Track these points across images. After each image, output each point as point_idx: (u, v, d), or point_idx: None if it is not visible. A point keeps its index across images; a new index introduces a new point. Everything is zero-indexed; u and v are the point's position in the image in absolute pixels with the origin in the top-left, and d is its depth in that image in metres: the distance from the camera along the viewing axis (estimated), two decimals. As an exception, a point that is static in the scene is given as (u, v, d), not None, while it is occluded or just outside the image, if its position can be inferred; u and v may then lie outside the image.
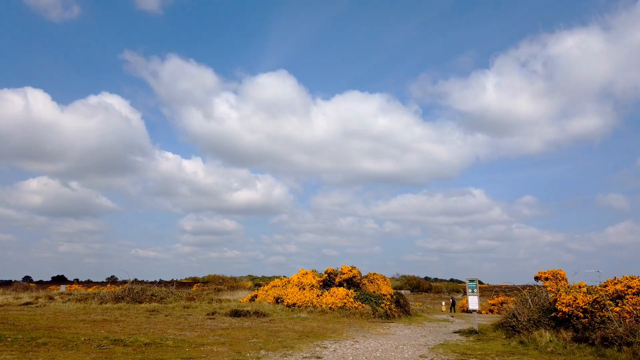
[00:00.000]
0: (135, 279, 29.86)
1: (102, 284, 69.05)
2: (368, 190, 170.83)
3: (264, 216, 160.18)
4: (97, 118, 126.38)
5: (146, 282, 43.86)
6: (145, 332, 13.18)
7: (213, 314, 19.35)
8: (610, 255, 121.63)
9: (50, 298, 28.01)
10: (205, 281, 72.85)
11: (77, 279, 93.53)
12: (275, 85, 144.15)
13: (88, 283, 78.00)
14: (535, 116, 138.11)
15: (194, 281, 77.45)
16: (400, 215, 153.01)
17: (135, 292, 25.78)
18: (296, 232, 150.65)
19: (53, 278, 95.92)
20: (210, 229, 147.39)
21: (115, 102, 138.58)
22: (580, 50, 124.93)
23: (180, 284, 60.41)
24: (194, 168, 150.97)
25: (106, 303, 23.54)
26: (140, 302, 24.04)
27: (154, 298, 25.46)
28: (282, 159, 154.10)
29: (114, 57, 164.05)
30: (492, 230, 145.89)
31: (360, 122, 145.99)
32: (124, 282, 29.40)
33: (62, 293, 35.89)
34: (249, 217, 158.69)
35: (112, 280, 66.76)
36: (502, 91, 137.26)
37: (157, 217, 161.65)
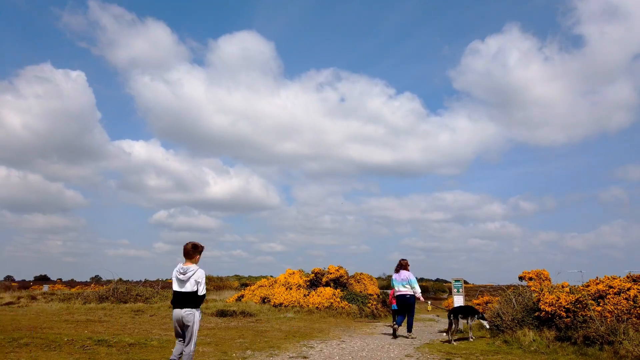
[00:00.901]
0: (120, 279, 29.51)
1: (85, 283, 68.16)
2: (358, 182, 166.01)
3: (245, 212, 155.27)
4: (38, 93, 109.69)
5: (131, 282, 43.46)
6: (129, 332, 13.05)
7: (199, 314, 19.23)
8: (601, 254, 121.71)
9: (33, 298, 27.58)
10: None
11: (60, 279, 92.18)
12: (254, 58, 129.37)
13: (71, 283, 76.93)
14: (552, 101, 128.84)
15: (179, 281, 76.72)
16: (389, 211, 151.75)
17: (120, 292, 25.49)
18: (281, 230, 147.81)
19: (36, 278, 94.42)
20: (190, 226, 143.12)
21: (58, 75, 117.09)
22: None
23: (167, 284, 59.93)
24: (158, 155, 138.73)
25: (90, 303, 23.25)
26: (125, 302, 23.79)
27: (139, 298, 25.21)
28: (262, 146, 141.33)
29: (53, 21, 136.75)
30: (484, 228, 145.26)
31: (351, 106, 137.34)
32: (109, 281, 29.04)
33: (44, 293, 35.32)
34: (228, 213, 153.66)
35: (96, 280, 65.98)
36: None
37: (129, 211, 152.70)
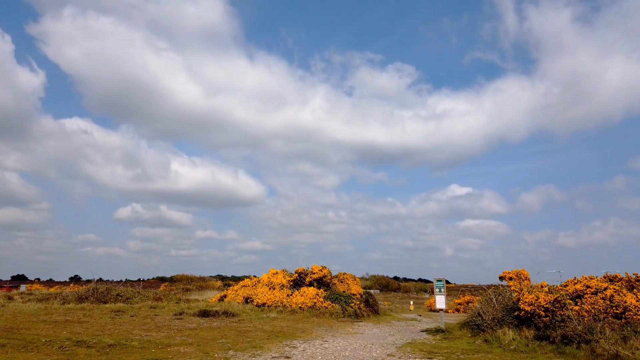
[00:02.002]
0: (100, 279, 29.22)
1: (64, 283, 66.96)
2: (343, 174, 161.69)
3: (223, 208, 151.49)
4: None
5: (111, 282, 42.86)
6: (109, 332, 12.86)
7: (181, 314, 19.05)
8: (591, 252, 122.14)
9: (10, 298, 26.95)
10: (173, 281, 71.66)
11: (38, 279, 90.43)
12: (214, 20, 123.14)
13: (50, 282, 75.52)
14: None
15: (161, 281, 76.09)
16: (374, 210, 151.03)
17: (100, 291, 25.11)
18: (263, 228, 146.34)
19: (13, 277, 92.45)
20: (164, 222, 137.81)
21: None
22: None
23: (147, 284, 59.25)
24: (111, 140, 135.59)
25: (69, 303, 22.83)
26: (105, 302, 23.44)
27: (120, 298, 24.87)
28: (235, 126, 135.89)
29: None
30: (468, 227, 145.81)
31: (342, 85, 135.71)
32: (88, 281, 28.62)
33: (22, 293, 34.55)
34: (202, 208, 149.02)
35: (76, 280, 64.93)
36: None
37: (94, 205, 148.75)
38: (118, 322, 15.76)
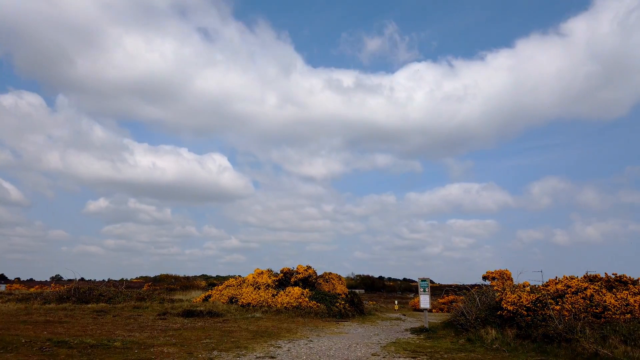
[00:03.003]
0: (82, 278, 28.79)
1: (45, 283, 65.83)
2: (331, 162, 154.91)
3: (206, 203, 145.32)
4: None
5: (94, 282, 42.26)
6: (91, 333, 12.68)
7: (164, 314, 18.88)
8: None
9: (-12, 298, 26.41)
10: (157, 281, 70.98)
11: (18, 278, 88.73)
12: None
13: (30, 282, 74.20)
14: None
15: (144, 281, 75.22)
16: (362, 207, 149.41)
17: (82, 291, 24.74)
18: (246, 226, 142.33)
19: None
20: (134, 217, 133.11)
21: None
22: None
23: (130, 284, 58.56)
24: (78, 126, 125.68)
25: (50, 303, 22.45)
26: (87, 303, 23.10)
27: (102, 298, 24.54)
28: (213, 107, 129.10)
29: None
30: (457, 226, 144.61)
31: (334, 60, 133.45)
32: (70, 281, 28.16)
33: (1, 293, 33.92)
34: (182, 203, 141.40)
35: (57, 280, 63.89)
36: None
37: (64, 199, 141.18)
38: (100, 323, 15.55)
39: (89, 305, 21.99)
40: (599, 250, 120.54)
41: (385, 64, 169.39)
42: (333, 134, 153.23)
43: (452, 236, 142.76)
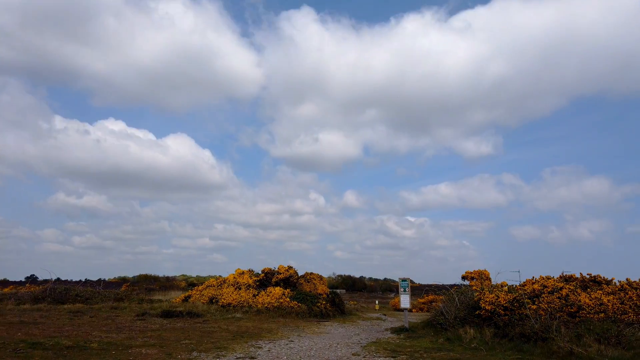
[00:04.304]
0: (58, 279, 28.16)
1: (20, 283, 64.26)
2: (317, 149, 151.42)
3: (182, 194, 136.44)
4: None
5: (70, 282, 41.40)
6: (67, 334, 12.43)
7: (143, 314, 18.62)
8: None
9: (-41, 299, 25.66)
10: (136, 281, 69.96)
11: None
12: None
13: (4, 283, 72.32)
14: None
15: (123, 281, 74.05)
16: (347, 205, 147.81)
17: (58, 292, 24.23)
18: (228, 222, 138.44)
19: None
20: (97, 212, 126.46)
21: None
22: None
23: (108, 284, 57.59)
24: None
25: (24, 304, 21.95)
26: (63, 303, 22.65)
27: (79, 298, 24.08)
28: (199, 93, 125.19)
29: None
30: (442, 225, 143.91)
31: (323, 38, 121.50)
32: (46, 281, 27.56)
33: (-27, 293, 32.95)
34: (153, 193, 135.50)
35: (32, 280, 62.47)
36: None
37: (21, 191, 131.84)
38: (77, 324, 15.27)
39: (65, 306, 21.56)
40: (588, 248, 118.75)
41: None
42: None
43: (434, 235, 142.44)
